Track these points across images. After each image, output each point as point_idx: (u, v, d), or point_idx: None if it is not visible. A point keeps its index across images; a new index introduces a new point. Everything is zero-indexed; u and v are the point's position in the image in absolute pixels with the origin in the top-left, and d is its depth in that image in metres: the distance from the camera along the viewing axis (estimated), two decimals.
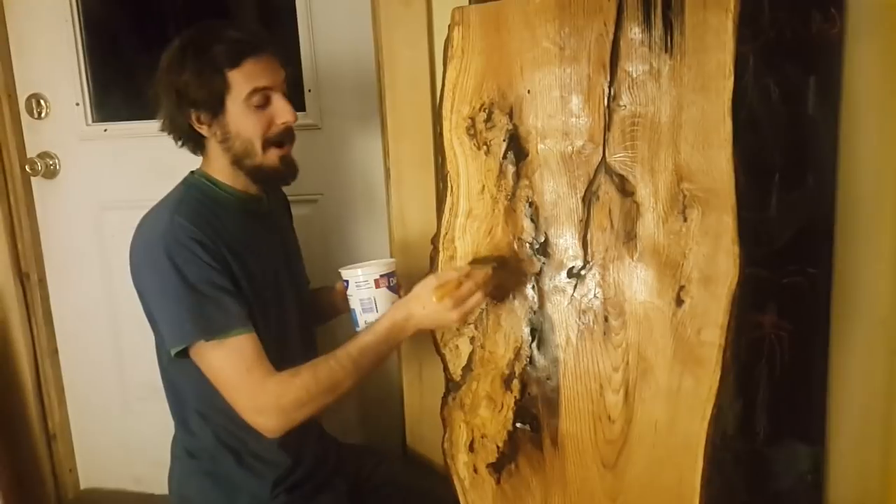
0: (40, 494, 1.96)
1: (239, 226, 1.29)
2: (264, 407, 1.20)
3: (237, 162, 1.28)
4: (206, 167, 1.33)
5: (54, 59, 1.81)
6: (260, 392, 1.19)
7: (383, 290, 1.31)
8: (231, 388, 1.21)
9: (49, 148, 1.86)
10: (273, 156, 1.28)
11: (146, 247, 1.23)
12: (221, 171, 1.31)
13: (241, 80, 1.22)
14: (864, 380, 1.48)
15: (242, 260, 1.26)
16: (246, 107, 1.24)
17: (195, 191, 1.30)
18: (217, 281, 1.19)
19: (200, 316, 1.18)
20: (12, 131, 1.82)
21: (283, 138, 1.29)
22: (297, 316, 1.38)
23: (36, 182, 1.88)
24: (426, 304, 1.19)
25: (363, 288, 1.30)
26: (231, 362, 1.19)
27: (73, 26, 1.79)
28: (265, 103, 1.25)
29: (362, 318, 1.32)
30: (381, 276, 1.31)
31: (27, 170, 1.84)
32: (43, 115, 1.84)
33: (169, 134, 1.31)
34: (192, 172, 1.34)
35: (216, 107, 1.24)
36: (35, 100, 1.83)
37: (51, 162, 1.85)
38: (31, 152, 1.86)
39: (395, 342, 1.24)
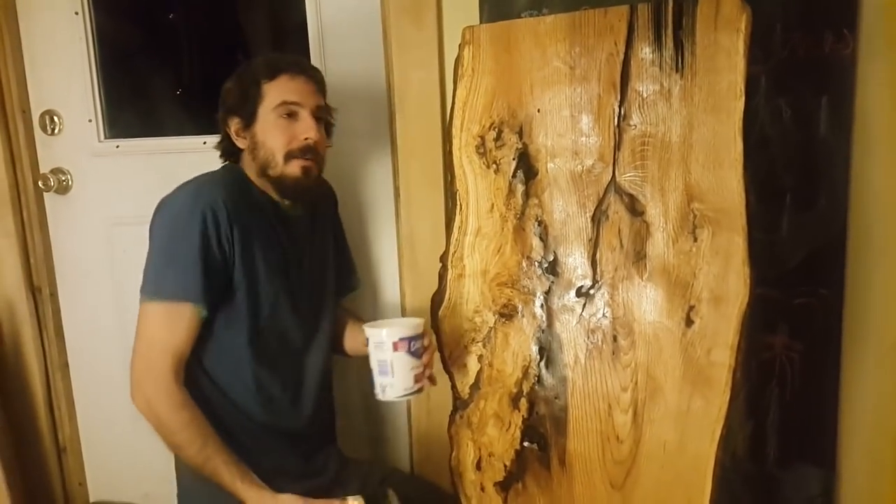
0: None
1: (261, 222, 1.32)
2: (144, 392, 1.25)
3: (262, 172, 1.33)
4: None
5: (68, 77, 1.82)
6: (153, 383, 1.24)
7: (401, 355, 1.22)
8: (143, 350, 1.26)
9: (62, 164, 1.87)
10: (295, 166, 1.31)
11: (179, 193, 1.29)
12: (254, 179, 1.36)
13: (274, 92, 1.31)
14: (876, 402, 1.47)
15: (250, 251, 1.28)
16: (275, 117, 1.31)
17: (236, 173, 1.36)
18: (213, 251, 1.23)
19: (175, 275, 1.23)
20: (26, 147, 1.84)
21: (306, 154, 1.32)
22: (295, 325, 1.38)
23: (48, 197, 1.89)
24: None
25: (382, 349, 1.23)
26: (161, 328, 1.24)
27: (87, 44, 1.81)
28: (292, 116, 1.31)
29: (378, 381, 1.25)
30: (402, 339, 1.22)
31: (40, 185, 1.85)
32: (56, 131, 1.85)
33: (216, 148, 1.43)
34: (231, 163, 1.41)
35: (250, 116, 1.32)
36: (49, 116, 1.85)
37: (63, 177, 1.87)
38: (45, 168, 1.87)
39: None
